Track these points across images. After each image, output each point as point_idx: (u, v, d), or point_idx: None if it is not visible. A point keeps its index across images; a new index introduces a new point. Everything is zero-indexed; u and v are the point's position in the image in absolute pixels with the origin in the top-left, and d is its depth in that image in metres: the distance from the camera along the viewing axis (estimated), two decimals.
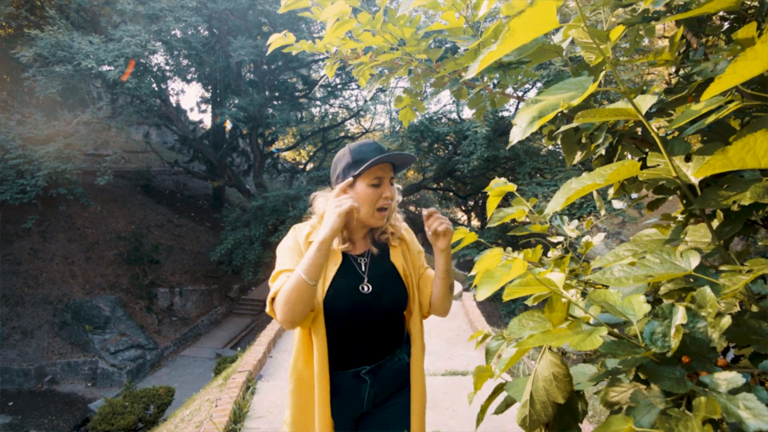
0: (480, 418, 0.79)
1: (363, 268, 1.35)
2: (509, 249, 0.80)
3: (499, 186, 0.93)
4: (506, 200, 1.15)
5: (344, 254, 1.35)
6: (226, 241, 15.16)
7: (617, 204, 1.15)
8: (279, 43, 1.14)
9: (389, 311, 1.35)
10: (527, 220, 1.11)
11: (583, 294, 0.93)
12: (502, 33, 0.46)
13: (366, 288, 1.31)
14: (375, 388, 1.34)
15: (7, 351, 12.23)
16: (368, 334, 1.32)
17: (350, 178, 1.29)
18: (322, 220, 1.27)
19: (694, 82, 0.72)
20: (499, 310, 12.74)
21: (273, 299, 1.21)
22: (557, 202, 0.57)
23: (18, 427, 10.37)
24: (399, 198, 1.42)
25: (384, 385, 1.36)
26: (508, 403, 0.74)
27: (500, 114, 14.03)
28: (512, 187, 0.95)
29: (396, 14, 0.99)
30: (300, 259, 1.23)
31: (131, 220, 16.73)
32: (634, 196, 0.93)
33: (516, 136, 0.52)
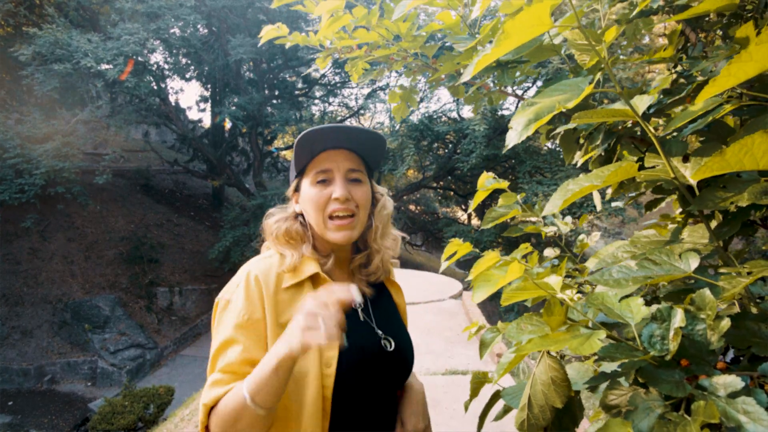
0: (480, 426, 0.78)
1: (365, 317, 0.96)
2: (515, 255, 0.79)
3: (492, 184, 0.92)
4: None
5: None
6: (225, 239, 15.18)
7: (616, 204, 1.14)
8: (271, 34, 1.12)
9: (409, 370, 1.01)
10: (522, 219, 1.09)
11: (581, 291, 0.93)
12: (497, 35, 0.46)
13: (389, 345, 0.94)
14: None
15: (7, 350, 12.23)
16: (388, 399, 0.97)
17: (294, 180, 0.97)
18: (285, 245, 0.94)
19: (693, 82, 0.71)
20: (497, 309, 12.74)
21: (211, 409, 0.79)
22: (555, 203, 0.57)
23: (18, 427, 10.38)
24: (388, 207, 1.00)
25: None
26: (506, 409, 0.74)
27: (500, 113, 14.01)
28: (504, 184, 0.92)
29: (392, 9, 0.98)
30: (260, 339, 0.83)
31: (131, 220, 16.71)
32: (631, 194, 0.92)
33: (512, 139, 0.52)
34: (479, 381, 0.77)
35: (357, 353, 0.87)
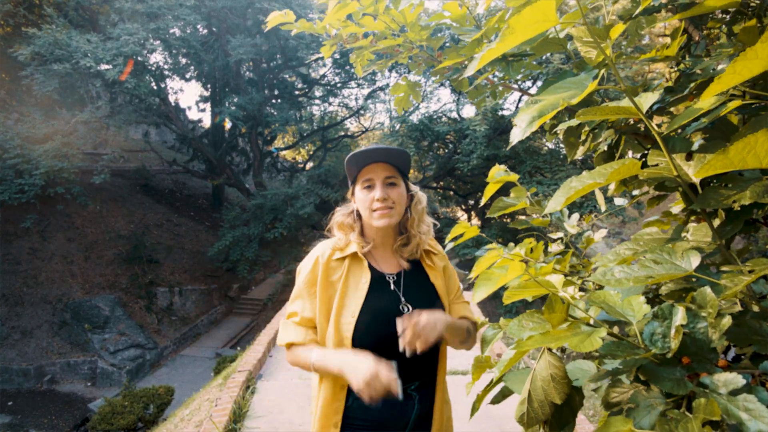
0: (476, 408, 0.78)
1: (395, 287, 1.26)
2: (511, 245, 0.79)
3: (501, 176, 0.92)
4: (507, 193, 1.14)
5: (372, 268, 1.26)
6: (224, 239, 15.18)
7: (619, 201, 1.14)
8: (278, 20, 1.13)
9: None
10: (527, 213, 1.10)
11: (583, 289, 0.93)
12: (502, 29, 0.46)
13: (407, 309, 1.23)
14: (422, 406, 1.23)
15: (7, 350, 12.23)
16: (410, 357, 1.18)
17: (351, 187, 1.31)
18: (339, 231, 1.29)
19: (695, 80, 0.71)
20: (497, 308, 12.75)
21: (289, 337, 1.23)
22: (557, 201, 0.57)
23: (18, 427, 10.37)
24: (422, 202, 1.32)
25: (429, 405, 1.25)
26: (504, 394, 0.74)
27: (500, 113, 14.03)
28: (514, 177, 0.94)
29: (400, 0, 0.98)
30: (314, 295, 1.22)
31: (130, 220, 16.71)
32: (635, 192, 0.92)
33: (516, 136, 0.52)
34: (482, 365, 0.76)
35: (377, 311, 1.20)
